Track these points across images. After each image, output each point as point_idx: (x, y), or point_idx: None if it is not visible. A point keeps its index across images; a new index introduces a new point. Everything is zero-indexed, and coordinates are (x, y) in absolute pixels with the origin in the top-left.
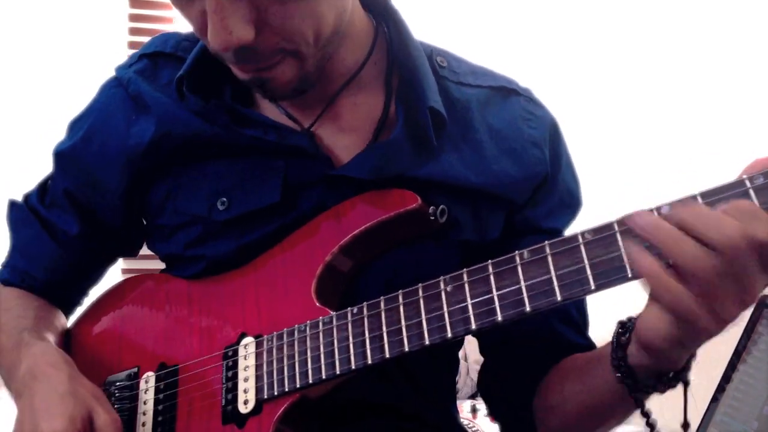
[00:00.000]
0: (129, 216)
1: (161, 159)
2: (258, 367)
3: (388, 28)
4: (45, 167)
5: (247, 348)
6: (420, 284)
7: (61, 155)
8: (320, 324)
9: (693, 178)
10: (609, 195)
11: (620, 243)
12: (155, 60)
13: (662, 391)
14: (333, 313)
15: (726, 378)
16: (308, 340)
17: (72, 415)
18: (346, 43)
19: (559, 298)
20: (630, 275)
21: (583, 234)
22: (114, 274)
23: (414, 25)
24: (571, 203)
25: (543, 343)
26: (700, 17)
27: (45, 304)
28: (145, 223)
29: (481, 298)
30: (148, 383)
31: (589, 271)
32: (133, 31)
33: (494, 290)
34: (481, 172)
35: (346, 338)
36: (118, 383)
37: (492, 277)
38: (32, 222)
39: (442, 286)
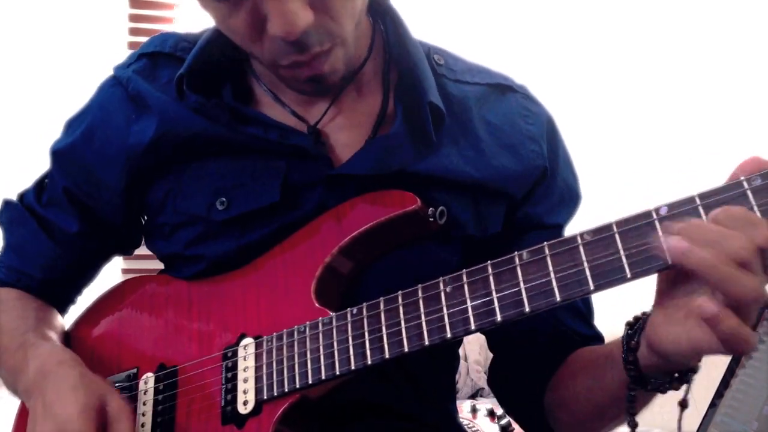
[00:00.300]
0: (129, 214)
1: (161, 158)
2: (257, 367)
3: (386, 26)
4: (45, 167)
5: (247, 349)
6: (419, 285)
7: (59, 153)
8: (320, 325)
9: (693, 178)
10: (609, 195)
11: (619, 244)
12: (154, 60)
13: (676, 388)
14: (333, 314)
15: (725, 383)
16: (308, 341)
17: (86, 403)
18: None
19: (558, 299)
20: (629, 276)
21: (582, 235)
22: (114, 275)
23: (411, 24)
24: (571, 198)
25: (552, 338)
26: (700, 16)
27: (42, 304)
28: (144, 221)
29: (480, 299)
30: (147, 384)
31: (588, 272)
32: (133, 31)
33: (493, 291)
34: (480, 166)
35: (346, 339)
36: (117, 384)
37: (491, 278)
38: (28, 221)
39: (441, 286)
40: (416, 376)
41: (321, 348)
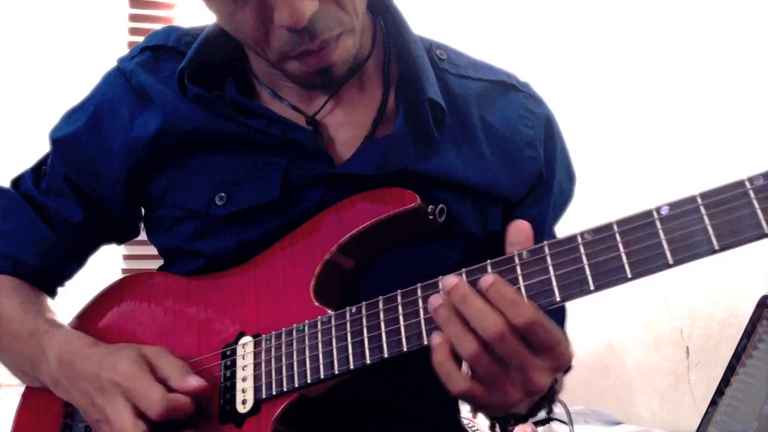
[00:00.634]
0: (128, 205)
1: (163, 151)
2: (256, 366)
3: (386, 23)
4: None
5: (246, 347)
6: (419, 284)
7: (60, 141)
8: (319, 324)
9: (693, 178)
10: (608, 194)
11: (620, 243)
12: (157, 53)
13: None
14: (331, 313)
15: (725, 380)
16: (306, 340)
17: (129, 356)
18: None
19: (558, 298)
20: (630, 276)
21: (582, 234)
22: (114, 272)
23: (413, 21)
24: (563, 202)
25: None
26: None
27: (39, 291)
28: (145, 213)
29: None
30: None
31: (588, 272)
32: (133, 31)
33: None
34: (479, 170)
35: (345, 338)
36: None
37: None
38: (24, 208)
39: (440, 285)
40: (417, 376)
41: (320, 347)
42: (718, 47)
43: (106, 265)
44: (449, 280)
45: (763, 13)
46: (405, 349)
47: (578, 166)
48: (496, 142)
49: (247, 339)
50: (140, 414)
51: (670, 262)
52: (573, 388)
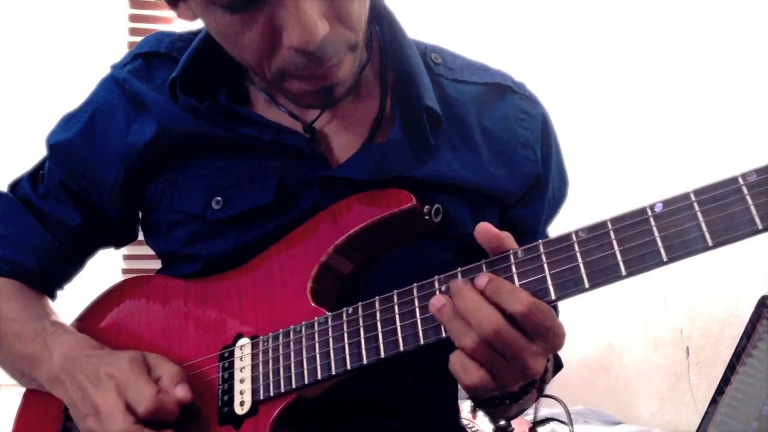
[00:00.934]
0: (125, 210)
1: (158, 157)
2: (254, 367)
3: (382, 29)
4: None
5: (243, 349)
6: (415, 284)
7: (57, 147)
8: (316, 325)
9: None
10: (605, 193)
11: (614, 241)
12: (149, 60)
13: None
14: (328, 314)
15: (725, 380)
16: (304, 341)
17: (129, 357)
18: None
19: (553, 297)
20: (624, 274)
21: (577, 232)
22: (114, 274)
23: (407, 23)
24: (557, 204)
25: None
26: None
27: (40, 294)
28: (143, 217)
29: None
30: None
31: (583, 270)
32: (133, 31)
33: None
34: (476, 171)
35: (342, 339)
36: None
37: None
38: (22, 212)
39: (436, 285)
40: (416, 376)
41: (317, 348)
42: (718, 47)
43: (105, 268)
44: (455, 284)
45: (763, 13)
46: (402, 349)
47: (577, 165)
48: (493, 143)
49: (244, 341)
50: (130, 409)
51: (665, 259)
52: (573, 388)
